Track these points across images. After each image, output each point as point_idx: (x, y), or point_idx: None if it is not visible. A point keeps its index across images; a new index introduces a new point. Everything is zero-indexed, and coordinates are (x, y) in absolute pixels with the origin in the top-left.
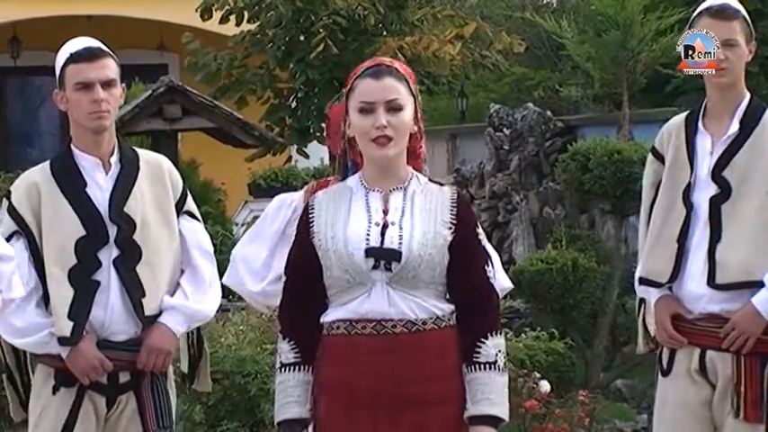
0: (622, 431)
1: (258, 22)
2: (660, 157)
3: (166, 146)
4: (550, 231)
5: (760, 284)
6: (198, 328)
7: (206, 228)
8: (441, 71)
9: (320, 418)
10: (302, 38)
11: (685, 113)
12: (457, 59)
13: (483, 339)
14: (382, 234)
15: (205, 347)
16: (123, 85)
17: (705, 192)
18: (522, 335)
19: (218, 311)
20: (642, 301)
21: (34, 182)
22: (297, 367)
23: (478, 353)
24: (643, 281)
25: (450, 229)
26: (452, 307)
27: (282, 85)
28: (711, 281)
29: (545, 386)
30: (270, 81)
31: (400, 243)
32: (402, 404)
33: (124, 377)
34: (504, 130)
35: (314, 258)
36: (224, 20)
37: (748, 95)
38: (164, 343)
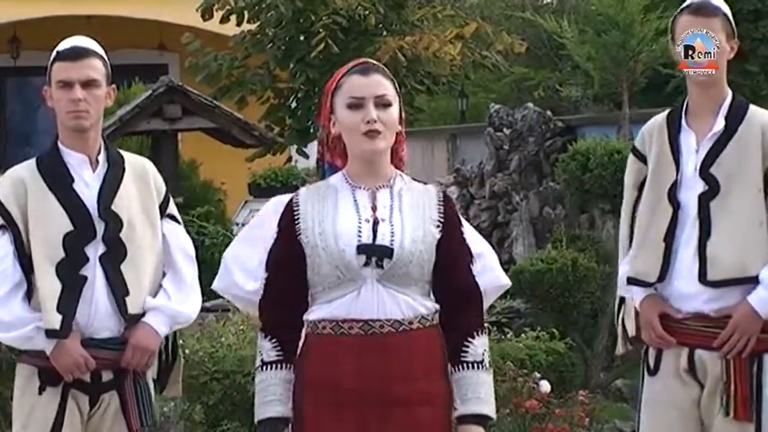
0: (622, 431)
1: (258, 22)
2: (642, 158)
3: (166, 146)
4: (550, 231)
5: (753, 281)
6: (174, 334)
7: (206, 228)
8: (441, 71)
9: (305, 418)
10: (302, 38)
11: (666, 112)
12: (457, 59)
13: (470, 338)
14: (374, 231)
15: (180, 353)
16: (113, 86)
17: (692, 190)
18: (522, 335)
19: (217, 311)
20: (622, 300)
21: (20, 177)
22: (279, 365)
23: (466, 352)
24: (631, 280)
25: (438, 227)
26: (437, 306)
27: (282, 85)
28: (702, 277)
29: (545, 386)
30: (270, 81)
31: (392, 240)
32: (389, 404)
33: (107, 376)
34: (505, 129)
35: (298, 255)
36: (224, 20)
37: (730, 93)
38: (149, 342)
